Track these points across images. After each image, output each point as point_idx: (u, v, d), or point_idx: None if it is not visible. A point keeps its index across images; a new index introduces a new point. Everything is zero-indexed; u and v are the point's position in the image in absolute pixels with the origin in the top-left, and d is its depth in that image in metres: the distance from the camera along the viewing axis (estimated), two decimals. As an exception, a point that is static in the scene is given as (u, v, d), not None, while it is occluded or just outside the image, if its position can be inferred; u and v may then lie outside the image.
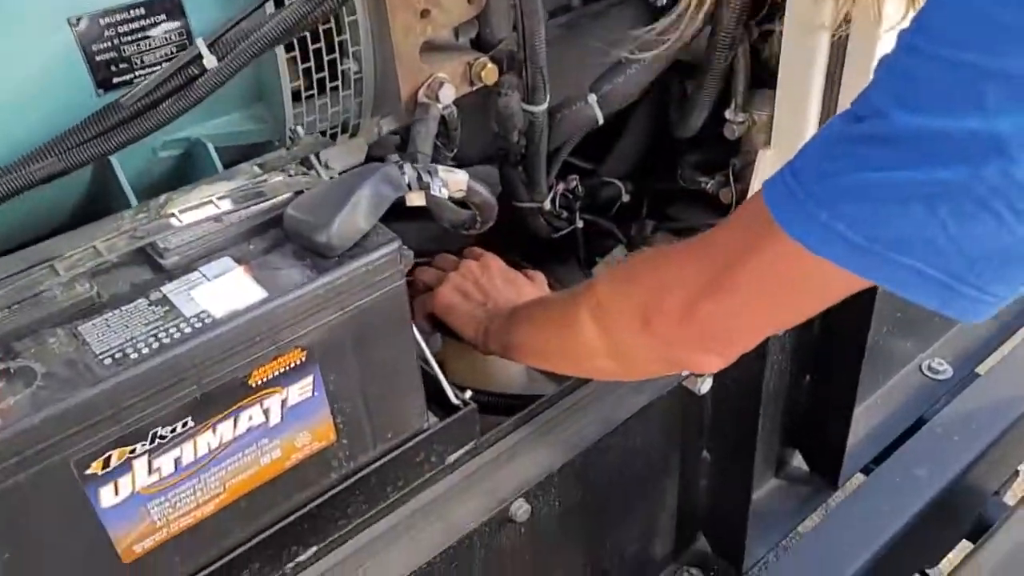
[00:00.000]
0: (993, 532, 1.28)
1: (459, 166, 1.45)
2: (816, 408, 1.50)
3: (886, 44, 1.01)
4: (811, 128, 1.12)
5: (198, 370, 0.68)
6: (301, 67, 0.96)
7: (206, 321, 0.68)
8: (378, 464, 0.85)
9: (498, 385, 1.20)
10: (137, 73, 0.88)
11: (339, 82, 1.00)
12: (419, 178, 0.77)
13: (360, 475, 0.84)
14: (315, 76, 0.97)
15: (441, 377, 0.92)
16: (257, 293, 0.70)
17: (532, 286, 1.11)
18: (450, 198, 0.84)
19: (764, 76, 1.18)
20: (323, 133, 1.04)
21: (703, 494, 1.42)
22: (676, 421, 1.25)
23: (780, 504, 1.56)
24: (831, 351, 1.41)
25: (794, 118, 1.12)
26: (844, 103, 1.08)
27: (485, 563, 1.01)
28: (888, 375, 1.65)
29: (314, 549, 0.84)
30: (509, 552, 1.06)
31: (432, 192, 0.77)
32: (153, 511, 0.71)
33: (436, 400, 0.94)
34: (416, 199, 0.79)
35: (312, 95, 0.99)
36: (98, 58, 0.86)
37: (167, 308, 0.69)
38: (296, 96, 0.99)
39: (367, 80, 1.02)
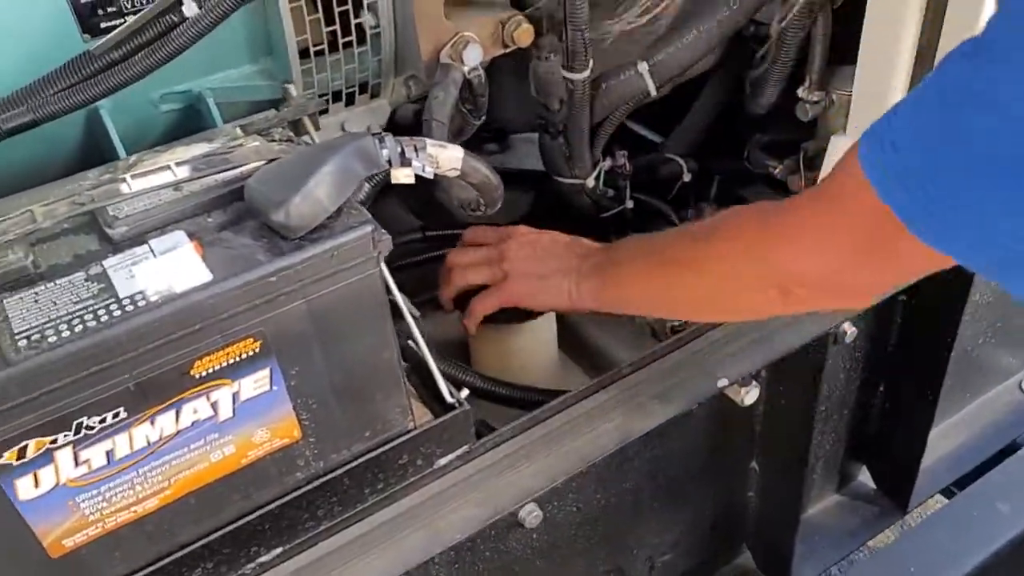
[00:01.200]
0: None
1: (502, 132, 1.36)
2: (889, 421, 1.36)
3: (990, 9, 0.85)
4: (896, 112, 0.96)
5: (129, 357, 0.61)
6: (308, 19, 0.87)
7: (139, 304, 0.61)
8: (352, 465, 0.77)
9: (527, 372, 1.11)
10: (127, 19, 0.81)
11: (353, 37, 0.91)
12: (402, 153, 0.67)
13: (331, 476, 0.77)
14: (325, 29, 0.89)
15: (436, 372, 0.83)
16: (202, 275, 0.63)
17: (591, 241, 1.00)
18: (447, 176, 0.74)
19: (848, 49, 1.03)
20: (338, 93, 0.96)
21: (751, 506, 1.31)
22: (719, 431, 1.13)
23: (839, 522, 1.43)
24: (911, 359, 1.25)
25: (876, 97, 0.97)
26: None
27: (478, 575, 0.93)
28: (980, 391, 1.47)
29: (278, 551, 0.77)
30: (518, 560, 0.98)
31: (416, 171, 0.68)
32: (83, 505, 0.65)
33: (434, 396, 0.86)
34: (403, 176, 0.69)
35: (322, 50, 0.90)
36: (83, 0, 0.79)
37: (102, 286, 0.62)
38: (306, 52, 0.90)
39: (386, 36, 0.92)
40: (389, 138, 0.67)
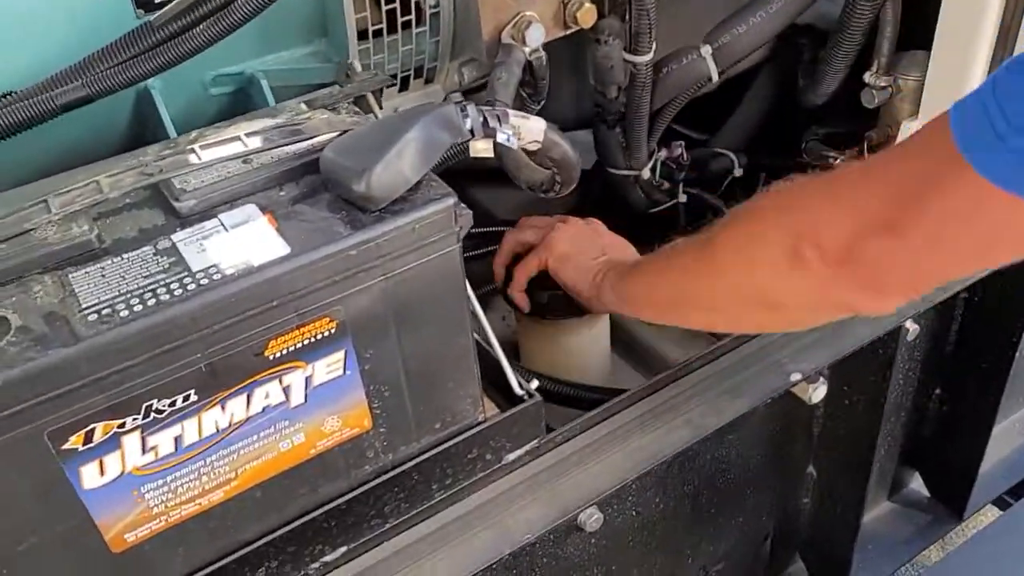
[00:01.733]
0: None
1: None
2: (945, 426, 1.31)
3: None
4: (971, 96, 0.93)
5: (202, 335, 0.57)
6: (369, -2, 0.84)
7: (214, 278, 0.57)
8: (422, 458, 0.73)
9: (579, 371, 1.07)
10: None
11: (412, 16, 0.87)
12: (485, 122, 0.63)
13: (400, 469, 0.73)
14: (384, 8, 0.85)
15: (504, 362, 0.79)
16: (279, 248, 0.59)
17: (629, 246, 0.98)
18: (525, 152, 0.70)
19: (916, 33, 1.00)
20: (393, 77, 0.92)
21: (805, 513, 1.26)
22: (780, 431, 1.09)
23: (892, 531, 1.38)
24: (970, 362, 1.21)
25: (952, 83, 0.93)
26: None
27: (544, 578, 0.88)
28: (1032, 396, 1.43)
29: (343, 549, 0.73)
30: (574, 566, 0.93)
31: (499, 140, 0.64)
32: (148, 495, 0.60)
33: (498, 388, 0.82)
34: (482, 148, 0.66)
35: (381, 31, 0.87)
36: (138, -28, 0.76)
37: (173, 259, 0.58)
38: (364, 33, 0.87)
39: (445, 16, 0.89)
40: (472, 106, 0.63)
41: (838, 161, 1.11)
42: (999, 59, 0.90)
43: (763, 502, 1.18)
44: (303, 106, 0.72)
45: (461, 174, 0.89)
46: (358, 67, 0.78)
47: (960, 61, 0.92)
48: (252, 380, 0.61)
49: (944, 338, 1.20)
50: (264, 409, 0.62)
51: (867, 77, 1.01)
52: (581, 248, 0.94)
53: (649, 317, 0.93)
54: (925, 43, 0.96)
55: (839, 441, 1.15)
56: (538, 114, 0.98)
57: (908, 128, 0.98)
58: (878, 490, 1.38)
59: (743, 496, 1.13)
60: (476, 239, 1.27)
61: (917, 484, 1.43)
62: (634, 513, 0.96)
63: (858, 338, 0.98)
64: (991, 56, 0.90)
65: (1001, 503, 1.45)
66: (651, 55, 0.94)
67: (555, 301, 0.98)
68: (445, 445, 0.74)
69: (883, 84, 1.01)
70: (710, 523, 1.11)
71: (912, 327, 1.05)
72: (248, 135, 0.65)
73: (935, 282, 0.64)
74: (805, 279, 0.65)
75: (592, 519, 0.85)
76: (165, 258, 0.58)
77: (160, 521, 0.62)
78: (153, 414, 0.57)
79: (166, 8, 0.71)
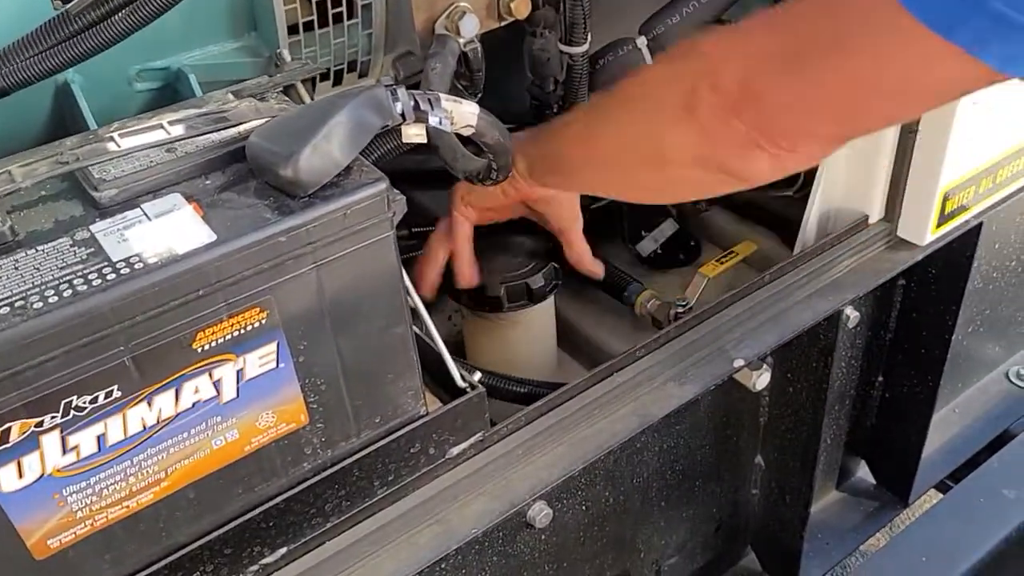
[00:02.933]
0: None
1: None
2: (887, 413, 1.33)
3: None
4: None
5: (124, 327, 0.55)
6: (297, -12, 0.82)
7: (136, 267, 0.55)
8: (363, 454, 0.71)
9: (525, 367, 1.06)
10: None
11: (343, 9, 0.86)
12: (416, 106, 0.62)
13: (340, 466, 0.71)
14: (314, 0, 0.84)
15: (445, 353, 0.77)
16: (204, 236, 0.57)
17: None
18: (458, 137, 0.69)
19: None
20: (326, 72, 0.91)
21: (755, 504, 1.27)
22: (726, 421, 1.10)
23: (841, 519, 1.40)
24: (909, 349, 1.23)
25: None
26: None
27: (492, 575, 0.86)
28: (969, 381, 1.46)
29: (283, 551, 0.71)
30: (525, 564, 0.92)
31: (432, 124, 0.63)
32: (71, 498, 0.58)
33: (440, 382, 0.80)
34: (414, 134, 0.64)
35: (312, 24, 0.85)
36: (54, -40, 0.74)
37: (92, 250, 0.56)
38: (294, 27, 0.85)
39: (377, 8, 0.88)
40: (402, 90, 0.62)
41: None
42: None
43: (713, 493, 1.18)
44: (230, 96, 0.71)
45: (405, 177, 0.88)
46: (287, 56, 0.76)
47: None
48: (180, 374, 0.58)
49: (884, 325, 1.22)
50: (194, 404, 0.60)
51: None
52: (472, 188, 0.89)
53: (558, 184, 0.87)
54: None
55: (785, 430, 1.16)
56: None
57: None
58: (826, 479, 1.39)
59: (692, 488, 1.13)
60: (422, 238, 1.26)
61: (864, 472, 1.45)
62: (583, 508, 0.95)
63: (799, 324, 0.99)
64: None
65: (943, 487, 1.47)
66: (586, 46, 0.94)
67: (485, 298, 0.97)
68: (386, 440, 0.72)
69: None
70: (660, 516, 1.11)
71: (852, 313, 1.06)
72: (171, 123, 0.62)
73: (826, 132, 0.60)
74: (692, 125, 0.61)
75: (541, 515, 0.84)
76: (83, 249, 0.56)
77: (85, 525, 0.59)
78: (73, 412, 0.55)
79: (81, -2, 0.68)
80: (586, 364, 1.16)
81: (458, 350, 1.13)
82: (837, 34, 0.54)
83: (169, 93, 0.86)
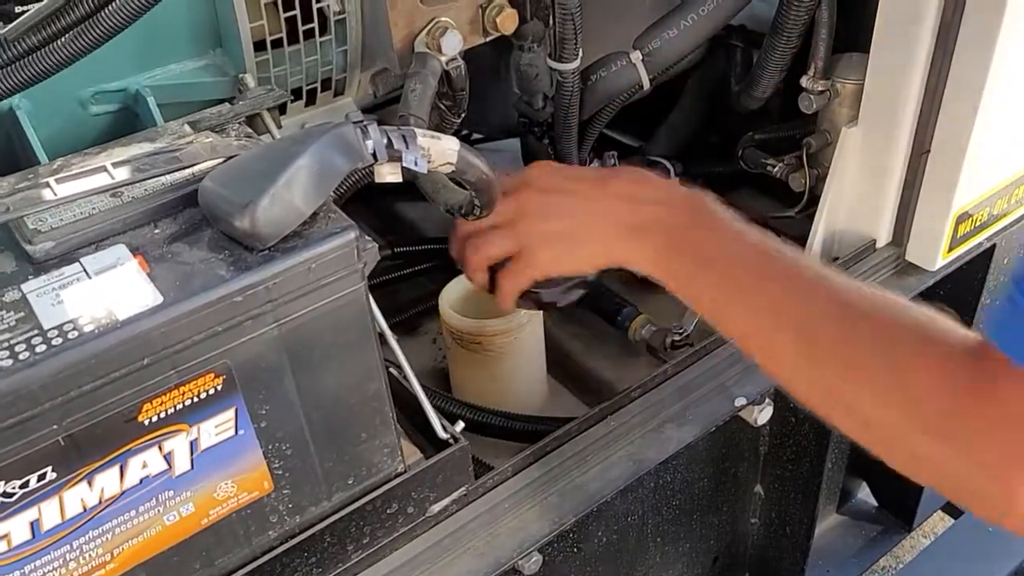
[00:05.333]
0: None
1: (470, 137, 1.26)
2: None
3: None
4: (912, 101, 0.88)
5: (57, 404, 0.48)
6: (264, 3, 0.75)
7: (70, 336, 0.48)
8: (335, 518, 0.66)
9: (513, 397, 1.00)
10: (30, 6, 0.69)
11: (315, 24, 0.79)
12: (389, 144, 0.56)
13: (309, 532, 0.65)
14: (283, 15, 0.77)
15: (426, 404, 0.72)
16: (150, 297, 0.51)
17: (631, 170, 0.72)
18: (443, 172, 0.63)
19: (853, 35, 0.95)
20: (298, 91, 0.84)
21: (754, 534, 1.21)
22: (726, 454, 1.04)
23: (843, 545, 1.35)
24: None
25: (891, 86, 0.89)
26: (959, 73, 0.85)
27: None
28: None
29: (249, 625, 0.65)
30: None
31: (406, 164, 0.57)
32: (3, 591, 0.52)
33: (420, 429, 0.74)
34: (388, 173, 0.58)
35: (280, 40, 0.79)
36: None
37: (21, 315, 0.50)
38: (261, 43, 0.79)
39: (352, 23, 0.81)
40: (373, 126, 0.56)
41: (776, 169, 1.07)
42: (939, 61, 0.86)
43: (711, 524, 1.12)
44: (187, 127, 0.64)
45: (387, 188, 0.81)
46: (251, 82, 0.70)
47: (899, 63, 0.87)
48: (125, 449, 0.52)
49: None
50: (142, 481, 0.54)
51: (804, 81, 0.97)
52: (567, 229, 0.68)
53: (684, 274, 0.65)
54: (863, 45, 0.91)
55: (786, 460, 1.10)
56: (461, 121, 0.91)
57: (848, 134, 0.93)
58: (827, 502, 1.34)
59: (690, 521, 1.07)
60: (405, 258, 1.19)
61: (865, 494, 1.40)
62: (575, 550, 0.90)
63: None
64: (930, 58, 0.85)
65: (951, 510, 1.42)
66: (577, 63, 0.88)
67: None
68: (360, 502, 0.66)
69: (820, 88, 0.96)
70: (657, 552, 1.05)
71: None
72: (116, 164, 0.56)
73: None
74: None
75: (531, 562, 0.79)
76: (12, 313, 0.50)
77: (21, 618, 0.53)
78: (2, 498, 0.49)
79: (22, 19, 0.62)
80: (577, 392, 1.10)
81: (443, 375, 1.08)
82: None
83: (127, 116, 0.80)
